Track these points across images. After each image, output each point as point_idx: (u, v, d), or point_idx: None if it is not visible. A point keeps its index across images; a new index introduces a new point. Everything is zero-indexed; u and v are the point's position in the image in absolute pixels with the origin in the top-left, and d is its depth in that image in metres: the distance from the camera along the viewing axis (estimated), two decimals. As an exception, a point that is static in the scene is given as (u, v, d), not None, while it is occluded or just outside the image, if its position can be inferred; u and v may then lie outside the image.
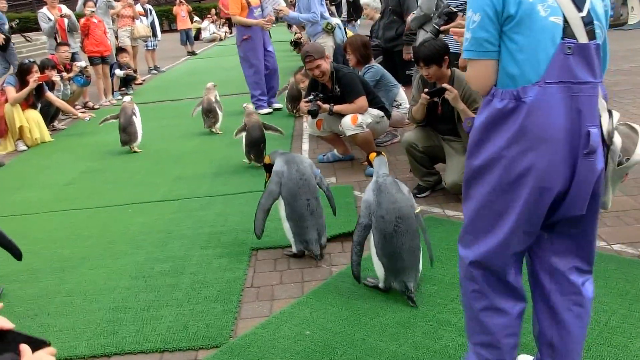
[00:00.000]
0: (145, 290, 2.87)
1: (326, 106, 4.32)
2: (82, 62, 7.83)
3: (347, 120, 4.28)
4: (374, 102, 4.44)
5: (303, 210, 2.94)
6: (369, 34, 6.79)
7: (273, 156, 3.11)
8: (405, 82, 5.52)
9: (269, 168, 3.13)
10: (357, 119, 4.25)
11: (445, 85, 3.41)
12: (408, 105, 4.99)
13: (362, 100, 4.32)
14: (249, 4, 6.47)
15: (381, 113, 4.44)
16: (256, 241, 3.27)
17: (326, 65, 4.32)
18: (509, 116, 1.54)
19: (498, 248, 1.63)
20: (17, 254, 2.83)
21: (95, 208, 4.18)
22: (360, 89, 4.33)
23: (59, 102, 6.80)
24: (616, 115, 1.64)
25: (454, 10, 3.71)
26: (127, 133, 5.62)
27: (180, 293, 2.81)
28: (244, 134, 4.69)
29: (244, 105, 4.96)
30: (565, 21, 1.50)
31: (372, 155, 2.73)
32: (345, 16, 9.28)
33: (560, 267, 1.68)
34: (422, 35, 4.98)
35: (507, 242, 1.62)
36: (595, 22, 1.52)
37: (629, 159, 1.71)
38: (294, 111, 6.48)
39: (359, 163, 4.67)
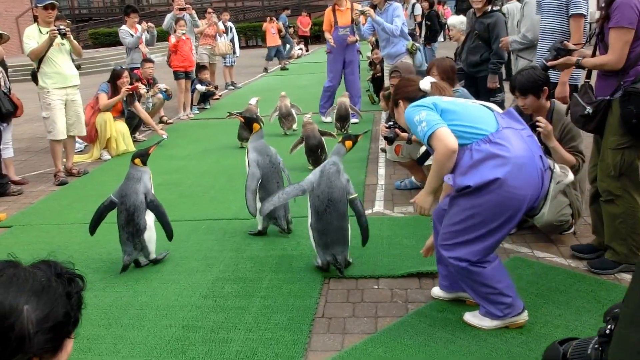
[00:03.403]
0: (215, 311, 2.89)
1: (405, 134, 4.25)
2: (163, 85, 8.21)
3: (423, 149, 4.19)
4: None
5: (274, 190, 3.60)
6: (452, 56, 6.67)
7: None
8: None
9: None
10: None
11: (539, 118, 3.23)
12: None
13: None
14: (336, 22, 7.39)
15: None
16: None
17: None
18: (492, 155, 2.25)
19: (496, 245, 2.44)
20: (170, 236, 3.48)
21: (170, 222, 4.28)
22: None
23: (143, 113, 7.13)
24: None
25: (570, 48, 3.37)
26: (248, 132, 6.20)
27: (249, 317, 2.80)
28: (300, 146, 5.26)
29: (304, 116, 5.59)
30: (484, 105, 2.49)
31: (348, 143, 3.31)
32: (423, 39, 9.20)
33: None
34: (520, 63, 4.83)
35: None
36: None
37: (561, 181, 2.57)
38: (342, 130, 6.88)
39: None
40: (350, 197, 3.12)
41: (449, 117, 2.32)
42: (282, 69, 15.56)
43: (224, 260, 3.49)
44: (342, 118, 6.89)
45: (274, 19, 15.80)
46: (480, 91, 5.38)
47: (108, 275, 3.38)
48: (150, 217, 3.42)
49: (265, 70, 15.48)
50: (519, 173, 2.23)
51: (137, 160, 3.52)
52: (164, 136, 6.98)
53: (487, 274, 2.41)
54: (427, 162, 4.19)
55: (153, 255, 3.47)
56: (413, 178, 4.72)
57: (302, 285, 3.09)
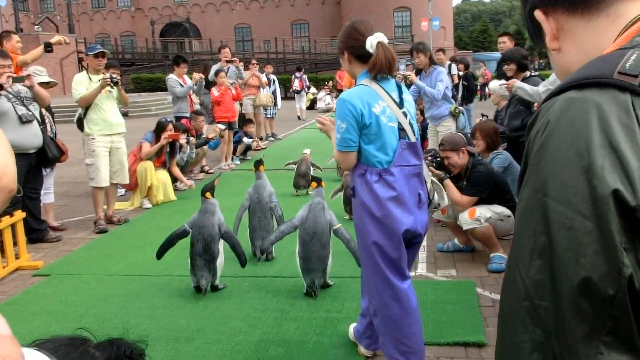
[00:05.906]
0: (259, 375, 2.93)
1: (440, 173, 4.44)
2: (222, 125, 8.55)
3: (464, 215, 4.34)
4: (505, 201, 4.42)
5: (255, 223, 4.67)
6: (487, 114, 6.86)
7: None
8: None
9: None
10: (474, 213, 4.28)
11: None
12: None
13: (468, 200, 4.38)
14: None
15: (507, 212, 4.36)
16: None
17: (457, 159, 4.41)
18: (376, 184, 2.57)
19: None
20: (243, 263, 3.98)
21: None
22: (478, 192, 4.37)
23: (174, 167, 7.40)
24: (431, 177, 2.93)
25: None
26: (305, 180, 7.00)
27: (294, 382, 2.84)
28: (340, 194, 5.76)
29: None
30: (400, 125, 2.60)
31: (313, 184, 4.01)
32: (460, 99, 9.59)
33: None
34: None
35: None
36: (414, 127, 2.69)
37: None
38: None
39: (481, 255, 4.56)
40: (334, 227, 3.79)
41: (363, 133, 2.56)
42: None
43: (267, 321, 3.55)
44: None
45: None
46: (522, 154, 5.47)
47: (148, 332, 3.45)
48: (221, 245, 3.97)
49: None
50: (390, 212, 2.54)
51: (208, 194, 4.03)
52: (191, 186, 7.29)
53: None
54: (466, 227, 4.26)
55: (217, 281, 4.02)
56: (456, 240, 4.76)
57: (347, 349, 3.13)
